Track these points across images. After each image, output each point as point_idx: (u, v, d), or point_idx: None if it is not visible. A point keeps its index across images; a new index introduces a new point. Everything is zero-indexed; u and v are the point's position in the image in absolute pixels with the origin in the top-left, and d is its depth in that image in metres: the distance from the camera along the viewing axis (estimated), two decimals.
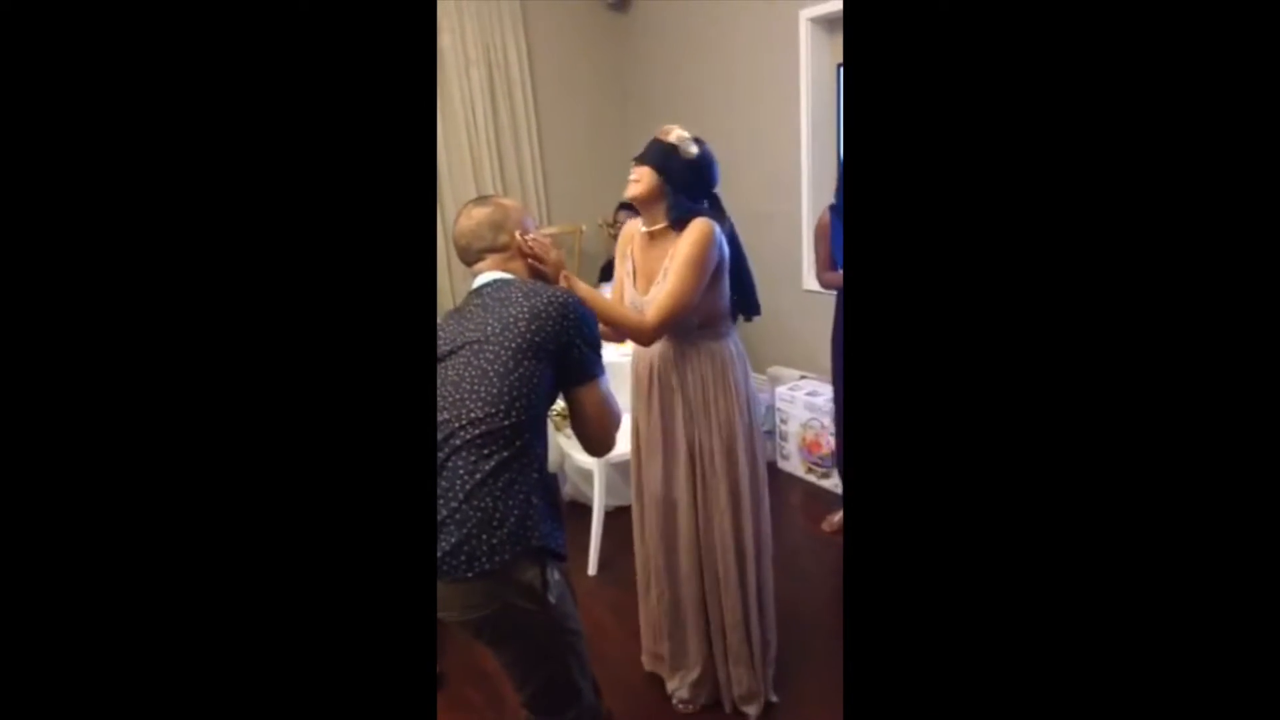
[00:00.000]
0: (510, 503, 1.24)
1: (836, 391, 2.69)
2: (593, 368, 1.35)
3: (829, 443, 3.08)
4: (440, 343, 1.34)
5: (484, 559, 1.20)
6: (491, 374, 1.26)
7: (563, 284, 1.50)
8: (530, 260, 1.46)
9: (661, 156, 1.67)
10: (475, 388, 1.26)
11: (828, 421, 3.05)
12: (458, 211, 1.46)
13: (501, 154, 4.16)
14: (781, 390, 3.32)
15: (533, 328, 1.28)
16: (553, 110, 4.27)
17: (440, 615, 1.24)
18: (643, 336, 1.66)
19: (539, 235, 1.48)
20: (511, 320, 1.29)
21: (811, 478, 3.24)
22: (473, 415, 1.24)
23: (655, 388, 1.82)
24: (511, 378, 1.26)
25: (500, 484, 1.24)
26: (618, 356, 2.60)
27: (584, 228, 4.21)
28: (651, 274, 1.75)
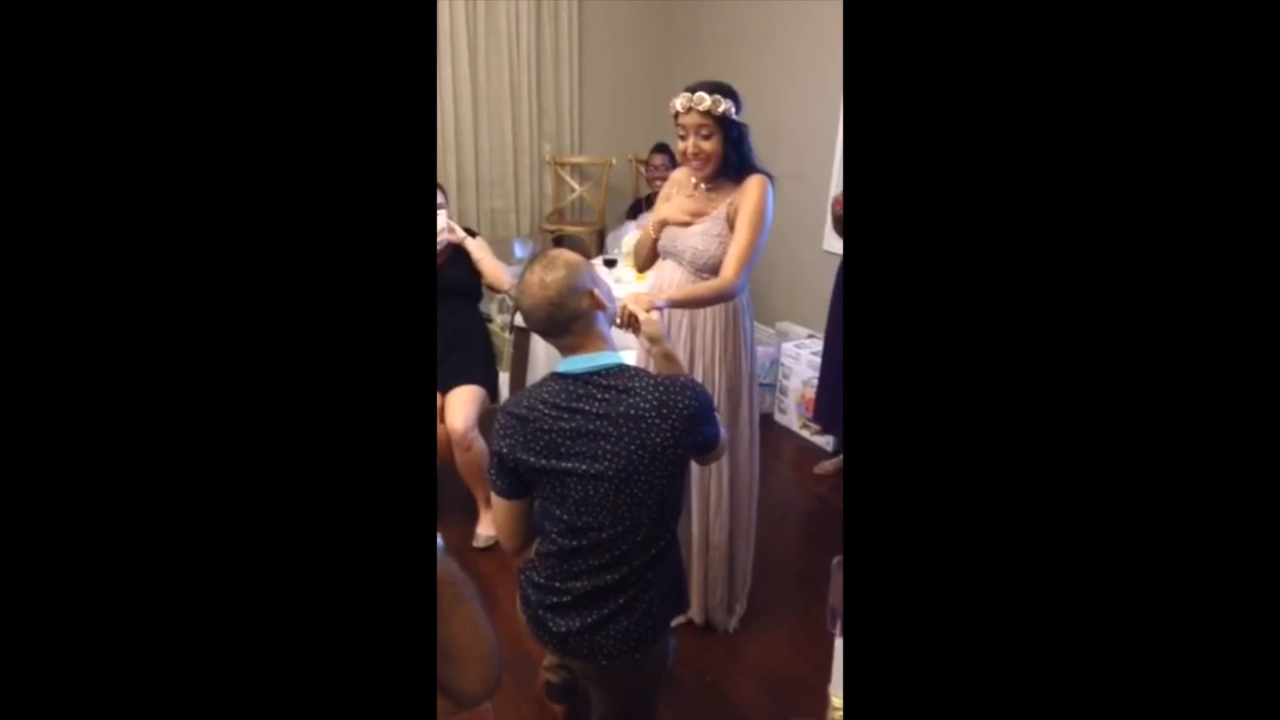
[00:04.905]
0: (663, 586, 1.38)
1: (826, 354, 2.91)
2: (718, 437, 1.41)
3: None
4: (561, 442, 1.29)
5: (648, 640, 1.38)
6: (650, 502, 1.31)
7: (655, 319, 1.59)
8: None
9: (724, 123, 1.76)
10: (635, 513, 1.31)
11: None
12: (524, 279, 1.33)
13: (540, 77, 4.14)
14: (788, 346, 3.38)
15: (672, 440, 1.29)
16: (596, 41, 4.23)
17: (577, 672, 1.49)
18: (728, 292, 1.80)
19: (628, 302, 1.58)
20: (657, 445, 1.28)
21: (805, 433, 3.33)
22: (638, 538, 1.32)
23: (667, 328, 1.91)
24: (667, 490, 1.33)
25: (658, 573, 1.37)
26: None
27: (614, 161, 4.21)
28: (691, 209, 1.89)
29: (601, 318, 1.35)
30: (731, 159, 1.79)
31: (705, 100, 1.71)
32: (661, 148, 3.64)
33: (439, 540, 0.86)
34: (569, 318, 1.30)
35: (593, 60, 4.26)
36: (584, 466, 1.28)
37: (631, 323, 1.57)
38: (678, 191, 1.93)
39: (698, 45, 4.19)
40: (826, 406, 2.92)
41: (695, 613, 2.10)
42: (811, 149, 3.43)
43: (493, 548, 2.42)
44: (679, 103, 1.74)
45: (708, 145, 1.76)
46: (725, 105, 1.72)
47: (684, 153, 1.80)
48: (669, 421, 1.27)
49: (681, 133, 1.78)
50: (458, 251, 2.46)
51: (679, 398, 1.29)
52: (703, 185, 1.85)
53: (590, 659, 1.36)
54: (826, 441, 3.21)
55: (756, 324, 3.99)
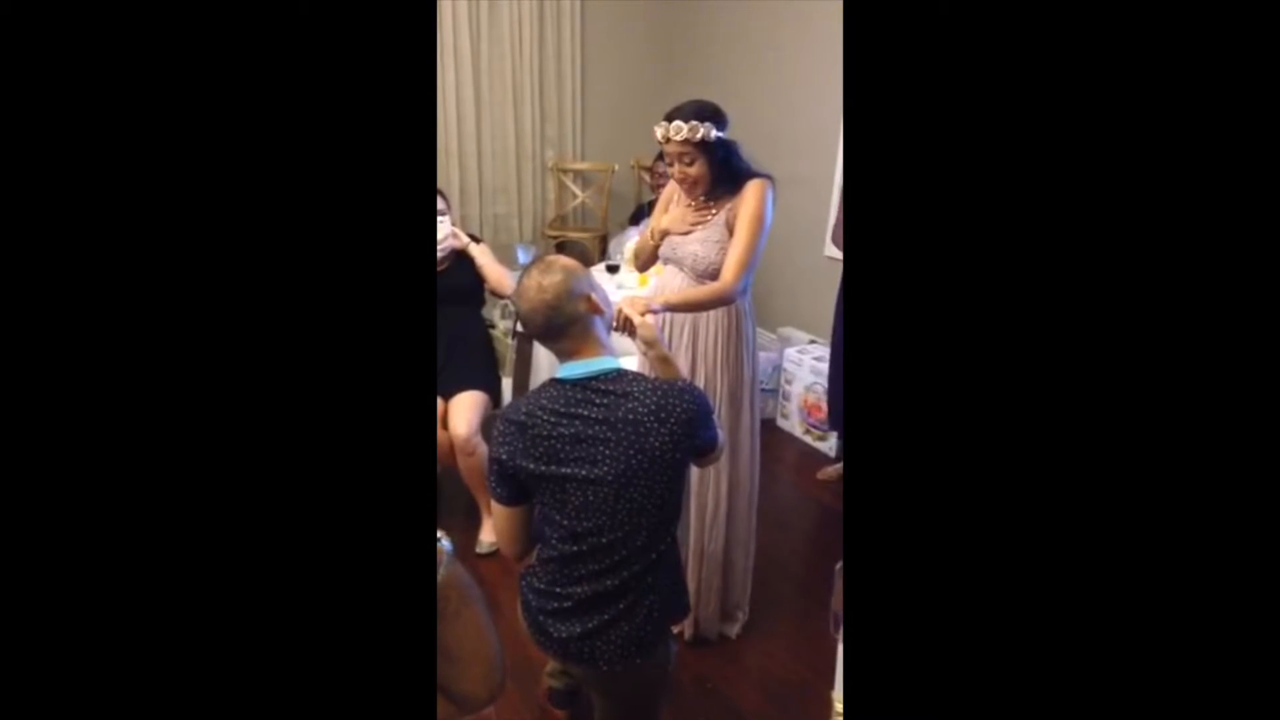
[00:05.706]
0: (663, 591, 1.38)
1: (834, 355, 2.88)
2: (716, 440, 1.41)
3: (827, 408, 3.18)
4: (560, 448, 1.29)
5: (649, 645, 1.37)
6: (649, 506, 1.31)
7: (651, 322, 1.59)
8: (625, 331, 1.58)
9: (706, 146, 1.75)
10: (635, 518, 1.30)
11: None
12: (521, 284, 1.33)
13: (544, 83, 4.15)
14: (790, 352, 3.38)
15: (670, 444, 1.29)
16: (599, 47, 4.24)
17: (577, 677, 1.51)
18: (727, 296, 1.80)
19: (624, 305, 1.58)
20: (655, 449, 1.28)
21: (808, 439, 3.33)
22: (638, 542, 1.32)
23: (670, 333, 1.91)
24: (666, 494, 1.32)
25: (658, 577, 1.36)
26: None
27: (616, 167, 4.22)
28: (692, 218, 1.89)
29: (599, 322, 1.36)
30: (721, 176, 1.80)
31: (683, 130, 1.71)
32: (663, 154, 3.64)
33: (448, 544, 0.86)
34: (566, 321, 1.31)
35: (595, 66, 4.27)
36: (583, 472, 1.28)
37: (627, 326, 1.57)
38: (679, 199, 1.93)
39: (700, 51, 4.19)
40: (838, 410, 2.95)
41: (686, 624, 2.06)
42: (813, 153, 3.43)
43: (495, 553, 2.42)
44: (659, 133, 1.76)
45: (693, 170, 1.77)
46: (704, 130, 1.71)
47: (674, 177, 1.82)
48: (667, 426, 1.28)
49: (668, 159, 1.80)
50: (460, 256, 2.46)
51: (677, 402, 1.29)
52: (701, 196, 1.85)
53: (591, 664, 1.36)
54: (829, 447, 3.21)
55: (759, 329, 4.01)
